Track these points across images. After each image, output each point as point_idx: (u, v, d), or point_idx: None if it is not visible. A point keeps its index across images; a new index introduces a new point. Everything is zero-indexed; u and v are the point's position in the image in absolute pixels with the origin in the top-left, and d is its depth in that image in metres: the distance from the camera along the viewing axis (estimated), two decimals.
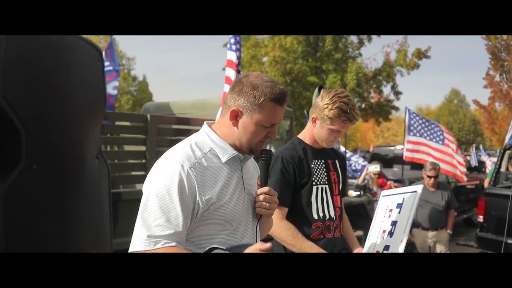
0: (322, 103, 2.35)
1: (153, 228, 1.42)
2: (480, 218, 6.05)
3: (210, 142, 1.59)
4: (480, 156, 16.10)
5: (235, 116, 1.56)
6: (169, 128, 4.18)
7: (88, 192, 0.85)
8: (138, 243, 1.42)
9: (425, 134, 7.75)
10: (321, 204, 2.38)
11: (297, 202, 2.36)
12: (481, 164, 14.07)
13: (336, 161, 2.56)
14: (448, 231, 5.55)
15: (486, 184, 9.17)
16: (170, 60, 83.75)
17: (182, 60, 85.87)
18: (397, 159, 9.82)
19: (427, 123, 7.87)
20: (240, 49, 5.01)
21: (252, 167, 1.78)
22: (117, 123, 4.42)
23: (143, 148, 3.90)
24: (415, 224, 5.60)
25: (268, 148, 7.27)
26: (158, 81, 76.27)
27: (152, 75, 76.29)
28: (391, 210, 2.24)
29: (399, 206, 2.21)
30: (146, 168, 3.77)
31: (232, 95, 1.58)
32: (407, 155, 7.81)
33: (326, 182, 2.43)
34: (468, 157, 14.70)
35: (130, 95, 29.53)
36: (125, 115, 4.52)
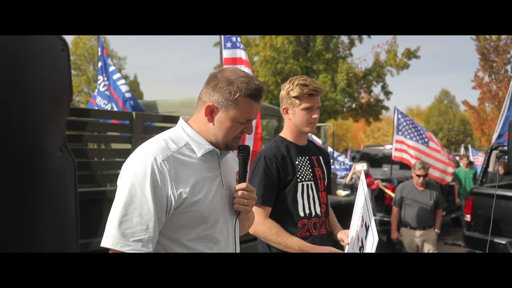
0: (284, 91, 2.41)
1: (124, 224, 1.39)
2: (468, 218, 6.08)
3: (185, 136, 1.56)
4: (468, 156, 16.21)
5: (210, 112, 1.54)
6: (155, 126, 4.14)
7: (49, 187, 0.81)
8: (108, 240, 1.39)
9: (411, 135, 7.80)
10: (307, 201, 2.36)
11: (282, 200, 2.33)
12: (470, 164, 14.17)
13: (320, 157, 2.55)
14: (436, 230, 5.58)
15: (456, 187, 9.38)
16: (160, 59, 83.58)
17: (172, 59, 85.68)
18: (386, 159, 9.84)
19: (413, 125, 7.96)
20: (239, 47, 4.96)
21: (233, 162, 1.75)
22: (102, 120, 4.37)
23: (128, 146, 3.85)
24: (403, 223, 5.62)
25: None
26: (148, 80, 76.11)
27: (143, 74, 76.23)
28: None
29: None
30: None
31: (207, 90, 1.55)
32: (395, 154, 7.86)
33: (312, 179, 2.41)
34: (457, 158, 14.80)
35: None
36: (110, 112, 4.46)
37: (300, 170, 2.37)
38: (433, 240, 5.51)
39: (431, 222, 5.55)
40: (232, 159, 1.75)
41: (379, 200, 7.98)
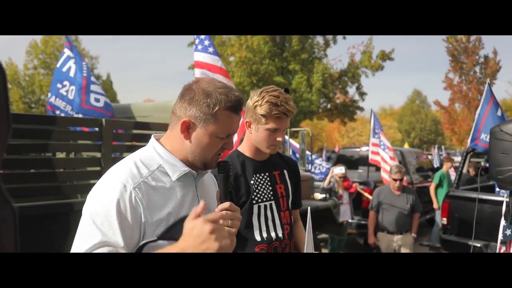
0: (252, 102, 2.12)
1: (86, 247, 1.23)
2: (444, 221, 6.11)
3: (158, 158, 1.41)
4: (441, 156, 16.49)
5: (187, 128, 1.38)
6: (126, 133, 3.95)
7: None
8: None
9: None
10: (265, 223, 2.14)
11: None
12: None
13: (285, 171, 2.30)
14: (413, 234, 5.58)
15: (432, 189, 8.58)
16: (134, 58, 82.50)
17: (147, 58, 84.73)
18: (362, 161, 9.85)
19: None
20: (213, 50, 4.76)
21: (210, 183, 1.61)
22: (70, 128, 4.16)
23: (98, 154, 3.67)
24: (380, 228, 5.60)
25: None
26: (122, 79, 74.99)
27: (116, 74, 75.07)
28: None
29: None
30: (101, 176, 3.55)
31: (182, 104, 1.39)
32: (372, 157, 7.87)
33: (272, 198, 2.18)
34: (430, 157, 15.01)
35: None
36: (78, 119, 4.25)
37: (257, 190, 2.15)
38: (410, 244, 5.51)
39: (408, 226, 5.55)
40: (209, 179, 1.61)
41: (356, 203, 7.97)
